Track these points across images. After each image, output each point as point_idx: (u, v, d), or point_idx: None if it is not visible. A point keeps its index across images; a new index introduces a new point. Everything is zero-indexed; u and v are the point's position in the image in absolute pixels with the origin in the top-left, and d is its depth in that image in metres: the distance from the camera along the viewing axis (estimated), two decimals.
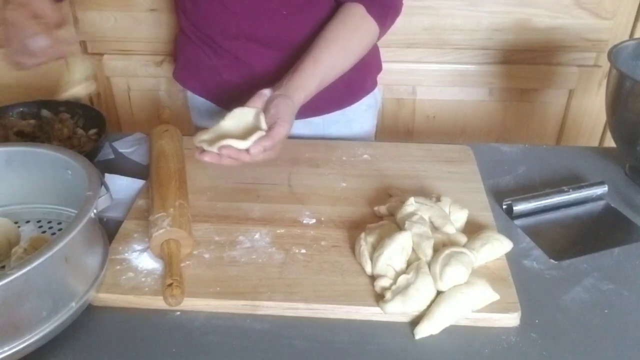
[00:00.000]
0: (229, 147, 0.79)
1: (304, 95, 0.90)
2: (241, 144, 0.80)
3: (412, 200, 0.82)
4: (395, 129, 1.66)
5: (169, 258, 0.76)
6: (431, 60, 1.55)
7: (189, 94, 1.21)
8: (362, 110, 1.18)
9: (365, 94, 1.18)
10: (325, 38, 0.95)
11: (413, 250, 0.76)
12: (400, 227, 0.80)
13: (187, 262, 0.79)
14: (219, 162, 0.82)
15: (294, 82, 0.90)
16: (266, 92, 0.88)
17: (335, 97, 1.11)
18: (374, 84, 1.20)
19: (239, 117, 0.86)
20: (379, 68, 1.21)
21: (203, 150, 0.81)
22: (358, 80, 1.14)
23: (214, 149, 0.80)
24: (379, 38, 1.02)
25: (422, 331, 0.69)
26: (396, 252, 0.75)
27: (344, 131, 1.17)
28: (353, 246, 0.81)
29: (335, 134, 1.17)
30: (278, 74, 0.97)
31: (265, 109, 0.86)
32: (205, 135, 0.83)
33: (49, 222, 0.88)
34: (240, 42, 1.05)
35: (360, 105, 1.17)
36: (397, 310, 0.70)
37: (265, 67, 1.06)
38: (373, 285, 0.74)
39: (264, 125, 0.83)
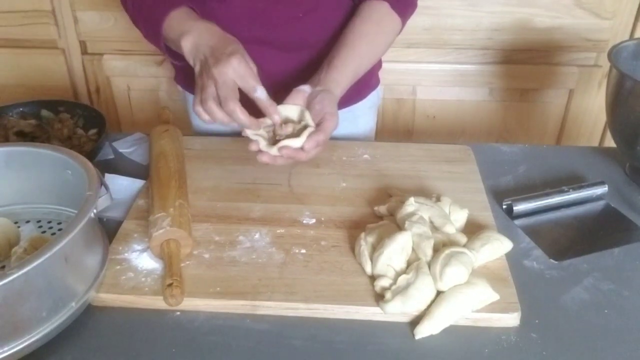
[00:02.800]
0: (287, 147, 0.82)
1: (340, 90, 0.92)
2: (296, 142, 0.83)
3: (412, 200, 0.82)
4: (395, 129, 1.66)
5: (168, 258, 0.76)
6: (431, 60, 1.56)
7: (190, 97, 1.20)
8: (367, 108, 1.19)
9: (370, 91, 1.18)
10: (353, 34, 0.96)
11: (413, 250, 0.76)
12: (400, 227, 0.80)
13: (187, 262, 0.79)
14: (274, 163, 0.84)
15: (330, 76, 0.91)
16: (305, 89, 0.90)
17: (344, 95, 1.11)
18: (377, 81, 1.21)
19: (281, 114, 0.87)
20: (380, 65, 1.21)
21: (259, 150, 0.84)
22: (365, 78, 1.13)
23: (274, 150, 0.83)
24: (398, 33, 1.03)
25: (422, 331, 0.69)
26: (396, 252, 0.75)
27: (351, 128, 1.17)
28: (353, 246, 0.81)
29: (342, 131, 1.15)
30: (292, 76, 0.96)
31: (309, 105, 0.88)
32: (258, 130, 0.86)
33: (49, 222, 0.88)
34: (253, 46, 1.02)
35: (366, 103, 1.18)
36: (397, 310, 0.70)
37: (279, 70, 1.05)
38: (373, 285, 0.74)
39: (311, 122, 0.85)
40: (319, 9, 1.01)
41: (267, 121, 0.87)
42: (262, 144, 0.84)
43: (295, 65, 1.05)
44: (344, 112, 1.14)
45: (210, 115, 0.83)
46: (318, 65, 0.96)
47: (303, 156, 0.84)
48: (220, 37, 0.87)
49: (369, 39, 0.97)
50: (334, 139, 1.09)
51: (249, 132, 0.85)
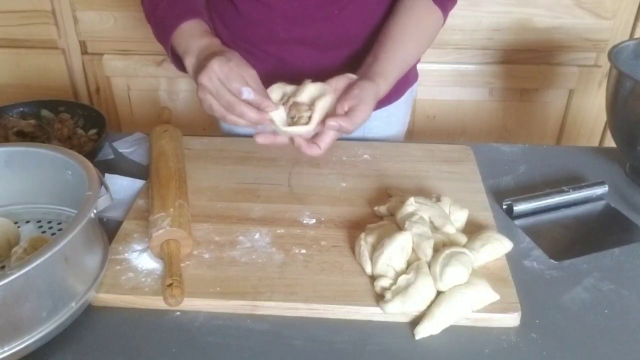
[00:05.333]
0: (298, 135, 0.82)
1: (387, 85, 0.89)
2: (303, 130, 0.81)
3: (412, 200, 0.82)
4: None
5: (168, 258, 0.76)
6: (431, 60, 1.56)
7: None
8: (401, 104, 1.17)
9: (409, 86, 1.16)
10: (397, 29, 0.94)
11: (413, 250, 0.76)
12: (400, 227, 0.80)
13: (187, 262, 0.79)
14: (274, 142, 0.84)
15: (376, 69, 0.89)
16: (352, 76, 0.87)
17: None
18: (416, 75, 1.19)
19: (308, 91, 0.85)
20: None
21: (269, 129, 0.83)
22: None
23: (283, 132, 0.81)
24: (440, 28, 1.01)
25: (422, 331, 0.69)
26: (396, 252, 0.75)
27: (384, 126, 1.15)
28: (353, 246, 0.81)
29: (375, 129, 1.15)
30: (330, 75, 0.96)
31: (349, 89, 0.85)
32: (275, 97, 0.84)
33: (49, 222, 0.88)
34: (288, 46, 1.03)
35: (401, 99, 1.16)
36: (397, 311, 0.70)
37: (317, 70, 1.02)
38: (373, 285, 0.74)
39: (324, 102, 0.83)
40: (355, 5, 0.99)
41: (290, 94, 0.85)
42: (277, 120, 0.82)
43: (333, 64, 1.03)
44: (379, 111, 1.12)
45: (238, 124, 0.82)
46: (356, 63, 0.95)
47: (316, 151, 0.82)
48: (215, 49, 0.85)
49: (412, 34, 0.95)
50: (344, 139, 1.08)
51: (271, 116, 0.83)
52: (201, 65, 0.82)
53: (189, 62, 0.87)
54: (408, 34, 0.95)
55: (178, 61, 0.92)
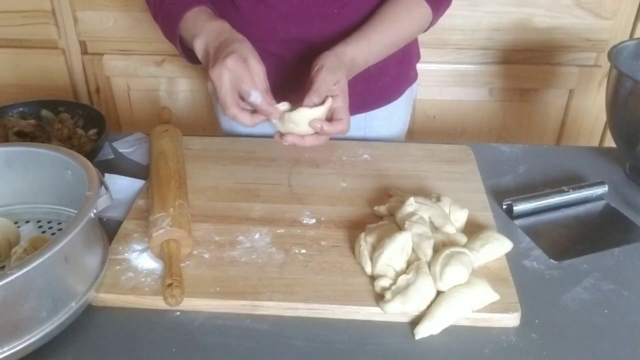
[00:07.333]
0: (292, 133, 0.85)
1: (351, 49, 0.91)
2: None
3: (412, 200, 0.82)
4: None
5: (168, 258, 0.76)
6: (431, 60, 1.55)
7: None
8: (402, 103, 1.18)
9: (409, 86, 1.17)
10: (379, 14, 0.97)
11: (413, 250, 0.76)
12: (400, 227, 0.80)
13: (187, 262, 0.79)
14: (302, 144, 0.86)
15: (342, 42, 0.92)
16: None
17: (382, 92, 1.09)
18: (415, 75, 1.20)
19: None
20: (418, 57, 1.20)
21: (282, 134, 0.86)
22: (403, 72, 1.13)
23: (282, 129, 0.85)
24: (430, 25, 1.02)
25: (422, 331, 0.69)
26: (396, 252, 0.75)
27: (385, 125, 1.16)
28: (353, 246, 0.81)
29: (376, 128, 1.15)
30: None
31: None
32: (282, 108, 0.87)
33: (49, 222, 0.88)
34: (288, 45, 1.03)
35: (402, 97, 1.17)
36: (397, 311, 0.70)
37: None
38: (373, 285, 0.74)
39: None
40: (355, 4, 1.00)
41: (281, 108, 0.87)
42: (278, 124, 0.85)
43: None
44: (380, 110, 1.13)
45: (237, 121, 0.85)
46: None
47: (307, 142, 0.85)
48: (227, 36, 0.86)
49: (393, 19, 0.97)
50: (345, 139, 1.08)
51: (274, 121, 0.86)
52: (215, 58, 0.83)
53: (199, 44, 0.88)
54: (387, 18, 0.96)
55: (187, 53, 0.94)
